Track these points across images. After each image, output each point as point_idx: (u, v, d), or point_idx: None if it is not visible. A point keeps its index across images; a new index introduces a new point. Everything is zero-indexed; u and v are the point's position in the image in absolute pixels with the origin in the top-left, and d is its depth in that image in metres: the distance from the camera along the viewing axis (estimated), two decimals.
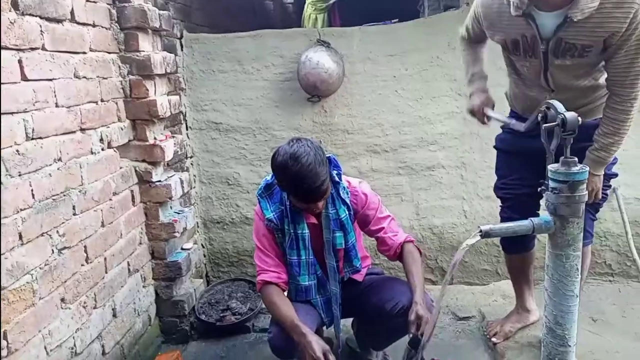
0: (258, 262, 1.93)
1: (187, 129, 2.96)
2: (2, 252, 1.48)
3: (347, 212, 1.90)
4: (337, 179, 1.86)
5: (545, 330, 1.53)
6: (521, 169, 2.02)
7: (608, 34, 1.58)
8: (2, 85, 1.48)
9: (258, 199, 1.90)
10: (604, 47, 1.63)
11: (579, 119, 1.36)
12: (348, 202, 1.90)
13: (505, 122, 1.92)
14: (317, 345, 1.66)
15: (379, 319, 1.92)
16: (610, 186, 1.98)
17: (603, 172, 1.83)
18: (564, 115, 1.35)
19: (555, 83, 1.79)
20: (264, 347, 2.49)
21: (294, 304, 1.86)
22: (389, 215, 1.98)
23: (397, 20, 3.18)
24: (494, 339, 2.22)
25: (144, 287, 2.40)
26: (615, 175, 1.98)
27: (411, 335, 1.67)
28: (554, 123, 1.39)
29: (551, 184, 1.40)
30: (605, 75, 1.74)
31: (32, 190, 1.62)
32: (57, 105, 1.76)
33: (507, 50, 1.86)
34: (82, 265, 1.90)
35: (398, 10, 4.36)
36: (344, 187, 1.89)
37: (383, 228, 1.94)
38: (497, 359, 2.16)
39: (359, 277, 2.03)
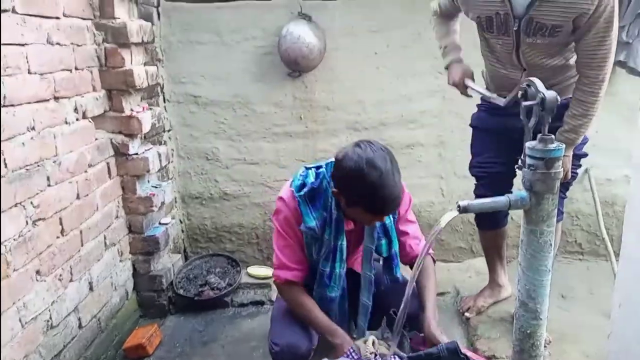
0: (278, 253, 1.72)
1: (164, 102, 2.90)
2: None
3: (391, 217, 1.72)
4: None
5: (517, 304, 1.56)
6: (495, 147, 2.05)
7: (577, 14, 1.61)
8: None
9: (298, 200, 1.65)
10: (574, 27, 1.66)
11: (558, 98, 1.38)
12: None
13: (486, 95, 1.92)
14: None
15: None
16: (580, 165, 2.03)
17: (572, 153, 1.87)
18: (544, 94, 1.37)
19: (526, 61, 1.82)
20: (242, 321, 2.52)
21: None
22: (415, 222, 1.84)
23: None
24: (467, 314, 2.29)
25: (120, 261, 2.37)
26: (586, 155, 2.03)
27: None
28: (533, 102, 1.40)
29: (528, 160, 1.42)
30: (576, 56, 1.76)
31: (4, 159, 1.56)
32: (29, 72, 1.69)
33: (480, 28, 1.88)
34: (57, 237, 1.87)
35: None
36: None
37: (407, 233, 1.79)
38: (470, 333, 2.22)
39: None
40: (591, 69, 1.70)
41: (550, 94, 1.36)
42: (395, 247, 1.77)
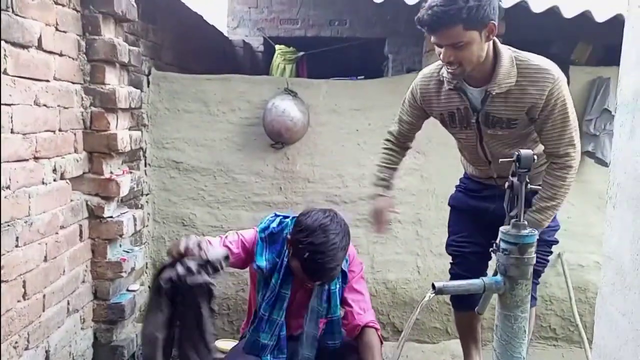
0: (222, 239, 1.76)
1: (145, 166, 2.91)
2: None
3: (337, 284, 1.81)
4: None
5: None
6: (471, 227, 2.09)
7: (527, 108, 1.72)
8: None
9: (258, 237, 1.79)
10: (529, 119, 1.76)
11: (535, 157, 1.41)
12: (346, 270, 1.81)
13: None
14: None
15: None
16: (551, 252, 2.07)
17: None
18: (520, 152, 1.42)
19: (491, 152, 1.90)
20: None
21: (243, 354, 1.77)
22: (363, 293, 1.89)
23: (362, 77, 3.31)
24: None
25: (82, 329, 2.25)
26: (556, 242, 2.08)
27: None
28: (513, 179, 1.44)
29: (502, 245, 1.45)
30: (540, 146, 1.85)
31: None
32: (12, 132, 1.69)
33: (444, 124, 1.97)
34: (18, 301, 1.78)
35: (363, 68, 4.55)
36: (345, 259, 1.79)
37: (353, 302, 1.84)
38: None
39: None
40: (559, 157, 1.78)
41: (525, 152, 1.42)
42: (337, 313, 1.82)
